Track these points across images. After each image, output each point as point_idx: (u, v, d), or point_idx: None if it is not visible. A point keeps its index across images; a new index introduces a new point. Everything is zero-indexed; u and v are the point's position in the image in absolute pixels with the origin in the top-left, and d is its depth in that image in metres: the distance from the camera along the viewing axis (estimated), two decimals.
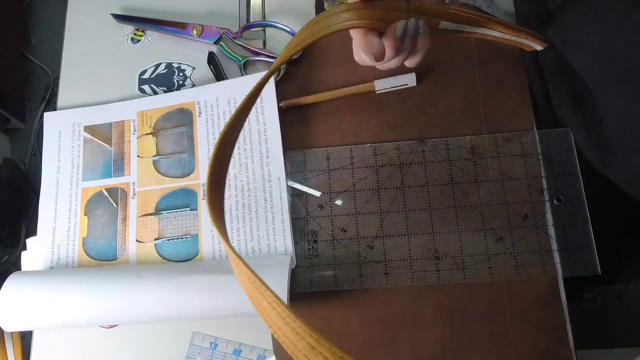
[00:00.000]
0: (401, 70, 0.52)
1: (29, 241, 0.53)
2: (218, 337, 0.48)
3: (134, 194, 0.53)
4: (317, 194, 0.49)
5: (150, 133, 0.55)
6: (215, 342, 0.48)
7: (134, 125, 0.55)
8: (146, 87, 0.57)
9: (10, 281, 0.47)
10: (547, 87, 0.51)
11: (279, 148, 0.51)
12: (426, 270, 0.47)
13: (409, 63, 0.42)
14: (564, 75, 0.48)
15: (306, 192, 0.50)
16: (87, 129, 0.56)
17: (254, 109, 0.53)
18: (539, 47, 0.46)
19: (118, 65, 0.59)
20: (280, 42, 0.57)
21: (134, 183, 0.53)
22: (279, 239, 0.49)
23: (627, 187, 0.47)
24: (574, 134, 0.49)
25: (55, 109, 0.58)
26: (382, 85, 0.52)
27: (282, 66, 0.54)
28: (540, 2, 0.48)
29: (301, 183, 0.50)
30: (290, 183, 0.50)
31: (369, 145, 0.51)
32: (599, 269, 0.46)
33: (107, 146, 0.55)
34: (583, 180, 0.48)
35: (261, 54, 0.56)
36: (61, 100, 0.58)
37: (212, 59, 0.56)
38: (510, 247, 0.47)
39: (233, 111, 0.53)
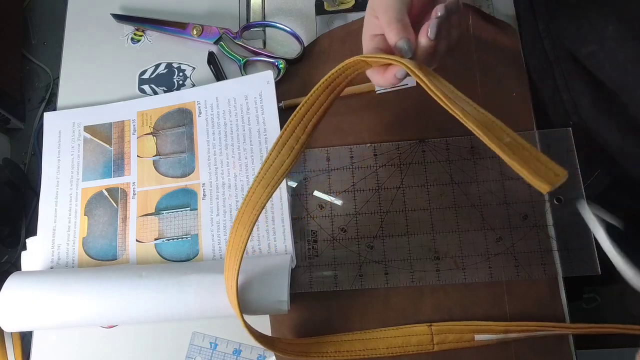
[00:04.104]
0: None
1: (29, 241, 0.53)
2: (218, 337, 0.48)
3: (134, 194, 0.53)
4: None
5: (150, 133, 0.55)
6: (215, 342, 0.48)
7: (134, 125, 0.55)
8: (146, 87, 0.57)
9: (10, 281, 0.47)
10: (555, 82, 0.50)
11: None
12: (426, 270, 0.47)
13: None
14: (579, 66, 0.48)
15: (313, 195, 0.50)
16: (87, 129, 0.56)
17: (253, 109, 0.53)
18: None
19: (118, 65, 0.59)
20: (280, 42, 0.57)
21: (134, 183, 0.53)
22: (279, 239, 0.49)
23: None
24: (596, 126, 0.48)
25: (55, 109, 0.58)
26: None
27: (282, 66, 0.54)
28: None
29: (301, 183, 0.50)
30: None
31: (369, 145, 0.51)
32: (599, 269, 0.46)
33: (107, 146, 0.55)
34: (583, 179, 0.48)
35: (261, 54, 0.56)
36: (61, 100, 0.58)
37: (212, 59, 0.56)
38: (510, 247, 0.47)
39: (233, 111, 0.53)
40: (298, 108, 0.41)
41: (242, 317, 0.41)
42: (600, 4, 0.43)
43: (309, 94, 0.41)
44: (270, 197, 0.40)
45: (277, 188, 0.41)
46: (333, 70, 0.40)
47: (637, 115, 0.44)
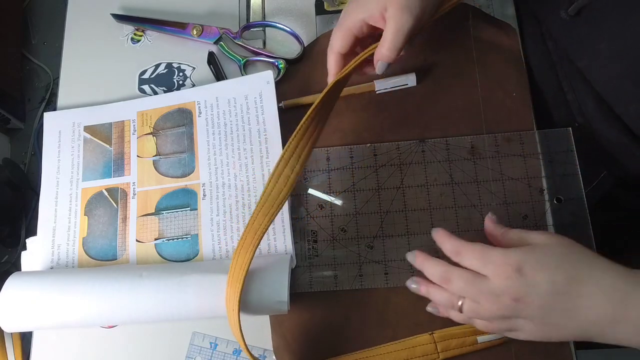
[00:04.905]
0: (401, 70, 0.52)
1: (29, 241, 0.53)
2: (218, 337, 0.48)
3: (134, 194, 0.53)
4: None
5: (150, 133, 0.55)
6: (215, 342, 0.48)
7: (134, 125, 0.55)
8: (146, 87, 0.57)
9: (10, 281, 0.47)
10: (559, 82, 0.50)
11: (279, 148, 0.51)
12: None
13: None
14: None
15: (316, 196, 0.50)
16: (87, 129, 0.56)
17: (253, 109, 0.53)
18: None
19: (118, 65, 0.59)
20: (280, 42, 0.57)
21: (134, 183, 0.53)
22: (279, 238, 0.49)
23: None
24: (601, 127, 0.48)
25: (55, 109, 0.58)
26: (382, 85, 0.52)
27: (282, 66, 0.54)
28: (552, 10, 0.47)
29: (301, 184, 0.50)
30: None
31: (369, 145, 0.51)
32: None
33: (107, 146, 0.55)
34: (587, 180, 0.48)
35: (261, 54, 0.56)
36: (61, 100, 0.58)
37: (212, 59, 0.56)
38: None
39: (233, 111, 0.53)
40: (291, 138, 0.43)
41: (246, 347, 0.42)
42: (592, 21, 0.43)
43: (299, 125, 0.43)
44: (271, 224, 0.43)
45: (276, 216, 0.43)
46: (317, 101, 0.43)
47: (631, 126, 0.44)
